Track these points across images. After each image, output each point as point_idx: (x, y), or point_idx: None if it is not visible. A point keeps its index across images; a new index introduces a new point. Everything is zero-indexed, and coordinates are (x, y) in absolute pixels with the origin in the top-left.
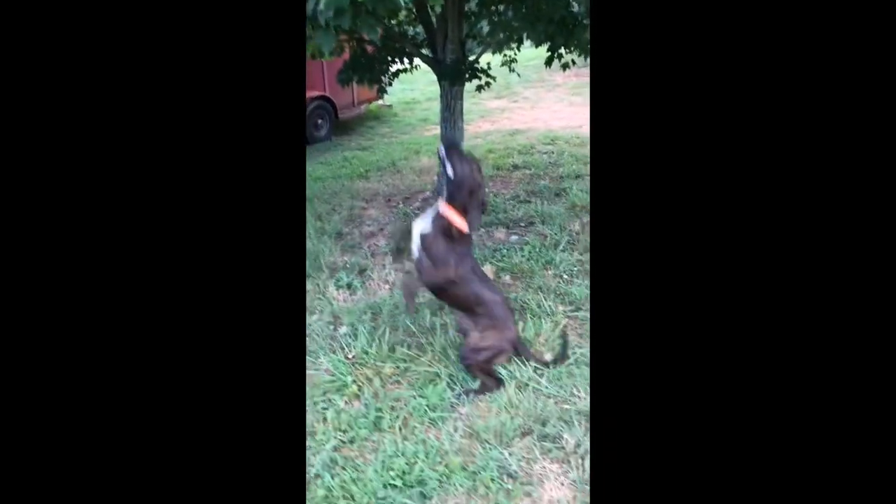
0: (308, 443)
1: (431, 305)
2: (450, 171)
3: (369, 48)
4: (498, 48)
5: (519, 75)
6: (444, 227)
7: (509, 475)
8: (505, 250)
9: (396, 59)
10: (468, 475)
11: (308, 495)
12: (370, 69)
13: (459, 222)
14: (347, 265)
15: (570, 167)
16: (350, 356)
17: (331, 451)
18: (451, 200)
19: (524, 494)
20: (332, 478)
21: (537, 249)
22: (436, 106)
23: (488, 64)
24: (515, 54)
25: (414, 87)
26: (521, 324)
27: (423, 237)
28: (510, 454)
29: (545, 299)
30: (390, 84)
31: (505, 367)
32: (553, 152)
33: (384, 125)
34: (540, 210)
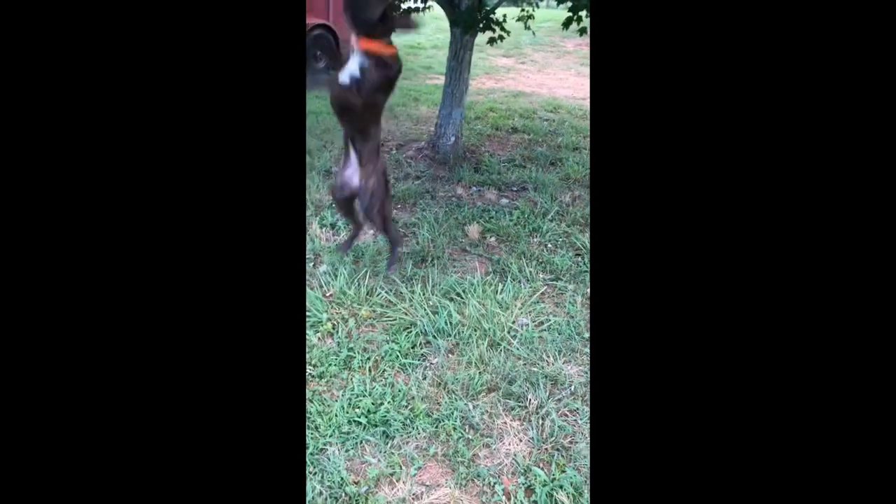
0: None
1: (415, 258)
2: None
3: None
4: (517, 1)
5: (534, 33)
6: (377, 60)
7: (471, 426)
8: (493, 212)
9: None
10: (432, 421)
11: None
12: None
13: (386, 48)
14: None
15: (569, 137)
16: (328, 294)
17: None
18: (366, 31)
19: (483, 446)
20: None
21: (526, 216)
22: (440, 55)
23: (504, 17)
24: (533, 10)
25: (420, 31)
26: (499, 286)
27: (363, 69)
28: (474, 407)
29: (527, 265)
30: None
31: (480, 326)
32: (554, 120)
33: None
34: (533, 177)
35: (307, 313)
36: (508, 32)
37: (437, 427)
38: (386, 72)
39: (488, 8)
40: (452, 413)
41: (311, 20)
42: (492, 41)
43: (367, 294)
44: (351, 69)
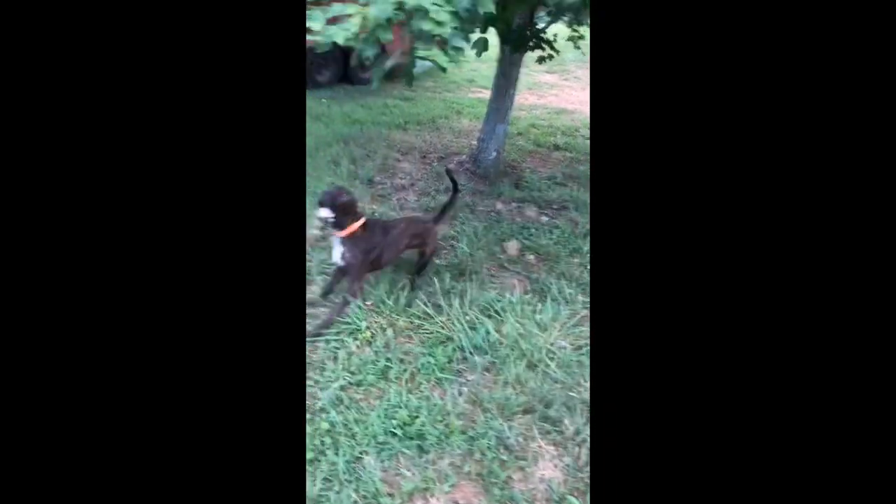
0: (317, 377)
1: (452, 271)
2: (329, 218)
3: None
4: (572, 22)
5: (584, 53)
6: (354, 239)
7: (506, 447)
8: (534, 229)
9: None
10: (466, 439)
11: (312, 427)
12: None
13: (354, 227)
14: (375, 214)
15: None
16: (367, 303)
17: (338, 390)
18: (339, 227)
19: (517, 468)
20: (337, 414)
21: (566, 235)
22: (483, 68)
23: (554, 36)
24: (584, 29)
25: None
26: (538, 305)
27: (345, 254)
28: (510, 428)
29: (567, 286)
30: None
31: (517, 346)
32: None
33: (430, 78)
34: (575, 196)
35: (347, 320)
36: (558, 52)
37: (471, 445)
38: (364, 243)
39: (539, 27)
40: (487, 432)
41: None
42: (541, 60)
43: (406, 305)
44: (337, 254)
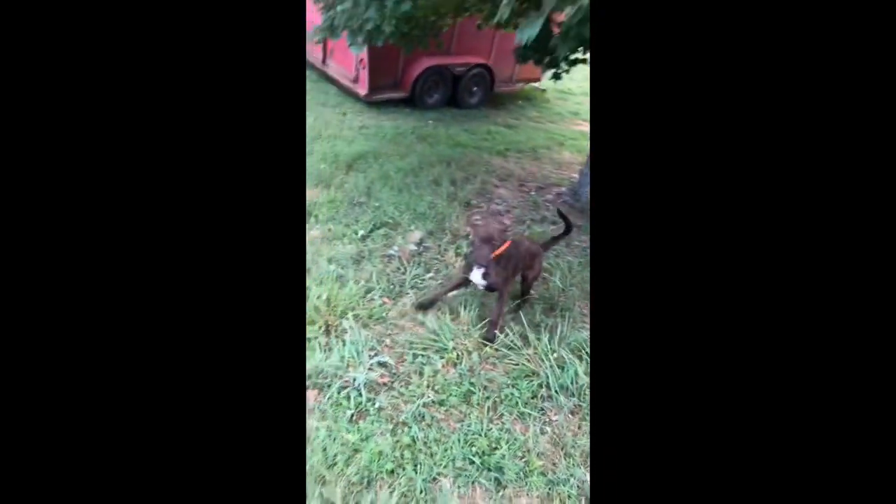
0: (402, 390)
1: (544, 304)
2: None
3: (556, 30)
4: None
5: None
6: (498, 259)
7: (588, 499)
8: None
9: (581, 47)
10: (546, 482)
11: (394, 439)
12: (552, 52)
13: (501, 250)
14: (470, 236)
15: None
16: (456, 321)
17: (421, 406)
18: (482, 261)
19: None
20: (419, 430)
21: None
22: (587, 101)
23: None
24: None
25: (572, 77)
26: None
27: (489, 274)
28: None
29: None
30: (567, 71)
31: None
32: None
33: (534, 108)
34: None
35: (435, 336)
36: None
37: (551, 489)
38: (506, 261)
39: None
40: (570, 479)
41: (472, 60)
42: None
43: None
44: (477, 276)
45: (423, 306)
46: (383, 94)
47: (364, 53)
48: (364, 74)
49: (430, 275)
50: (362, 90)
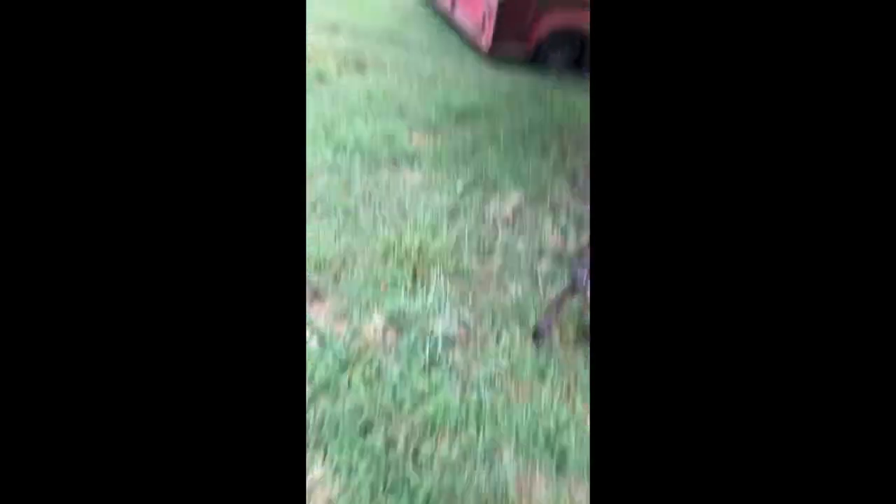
0: (476, 351)
1: None
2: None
3: None
4: None
5: None
6: None
7: None
8: None
9: None
10: None
11: (462, 396)
12: None
13: None
14: (570, 208)
15: None
16: (540, 296)
17: (493, 371)
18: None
19: None
20: (488, 394)
21: None
22: None
23: None
24: None
25: None
26: None
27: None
28: None
29: None
30: None
31: None
32: None
33: None
34: None
35: (518, 308)
36: None
37: None
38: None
39: None
40: None
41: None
42: None
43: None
44: (584, 277)
45: (540, 335)
46: (506, 49)
47: (494, 3)
48: (490, 25)
49: (522, 244)
50: (485, 43)
